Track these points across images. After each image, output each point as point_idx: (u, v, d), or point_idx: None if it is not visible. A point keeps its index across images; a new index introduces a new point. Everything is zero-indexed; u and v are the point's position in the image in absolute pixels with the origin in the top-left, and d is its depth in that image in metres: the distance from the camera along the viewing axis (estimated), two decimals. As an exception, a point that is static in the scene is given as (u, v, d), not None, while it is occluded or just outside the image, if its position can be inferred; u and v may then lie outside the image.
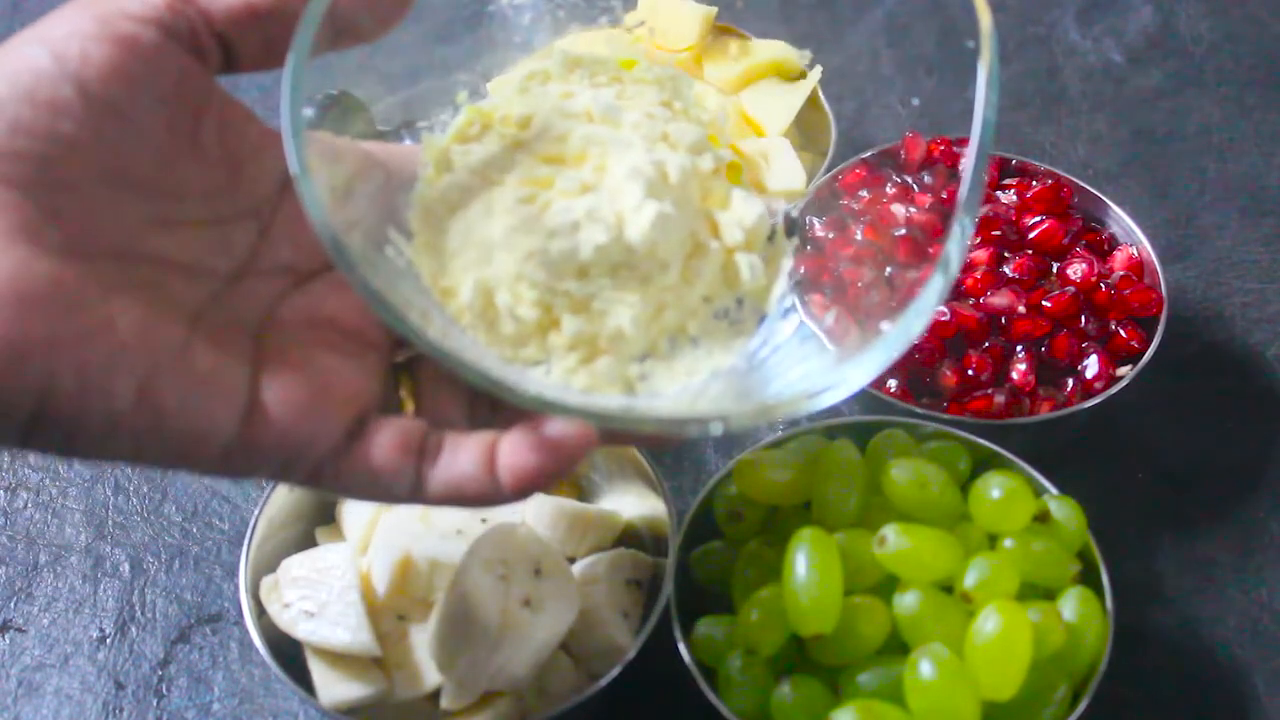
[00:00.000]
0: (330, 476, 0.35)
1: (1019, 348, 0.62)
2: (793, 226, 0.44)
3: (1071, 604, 0.50)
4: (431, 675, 0.50)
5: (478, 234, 0.39)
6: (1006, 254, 0.65)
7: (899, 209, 0.57)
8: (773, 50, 0.69)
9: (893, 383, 0.61)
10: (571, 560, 0.54)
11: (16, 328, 0.31)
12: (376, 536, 0.53)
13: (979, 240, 0.65)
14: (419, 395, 0.38)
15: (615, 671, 0.49)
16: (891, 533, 0.49)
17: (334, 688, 0.50)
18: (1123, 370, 0.60)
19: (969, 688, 0.46)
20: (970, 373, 0.61)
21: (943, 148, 0.65)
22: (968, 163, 0.38)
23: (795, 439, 0.56)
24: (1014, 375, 0.61)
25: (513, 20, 0.45)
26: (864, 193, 0.62)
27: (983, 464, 0.55)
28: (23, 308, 0.31)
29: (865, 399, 0.62)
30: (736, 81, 0.68)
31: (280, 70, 0.36)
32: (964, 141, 0.39)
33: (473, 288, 0.39)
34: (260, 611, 0.52)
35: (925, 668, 0.46)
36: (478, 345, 0.39)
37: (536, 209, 0.39)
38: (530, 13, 0.46)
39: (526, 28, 0.46)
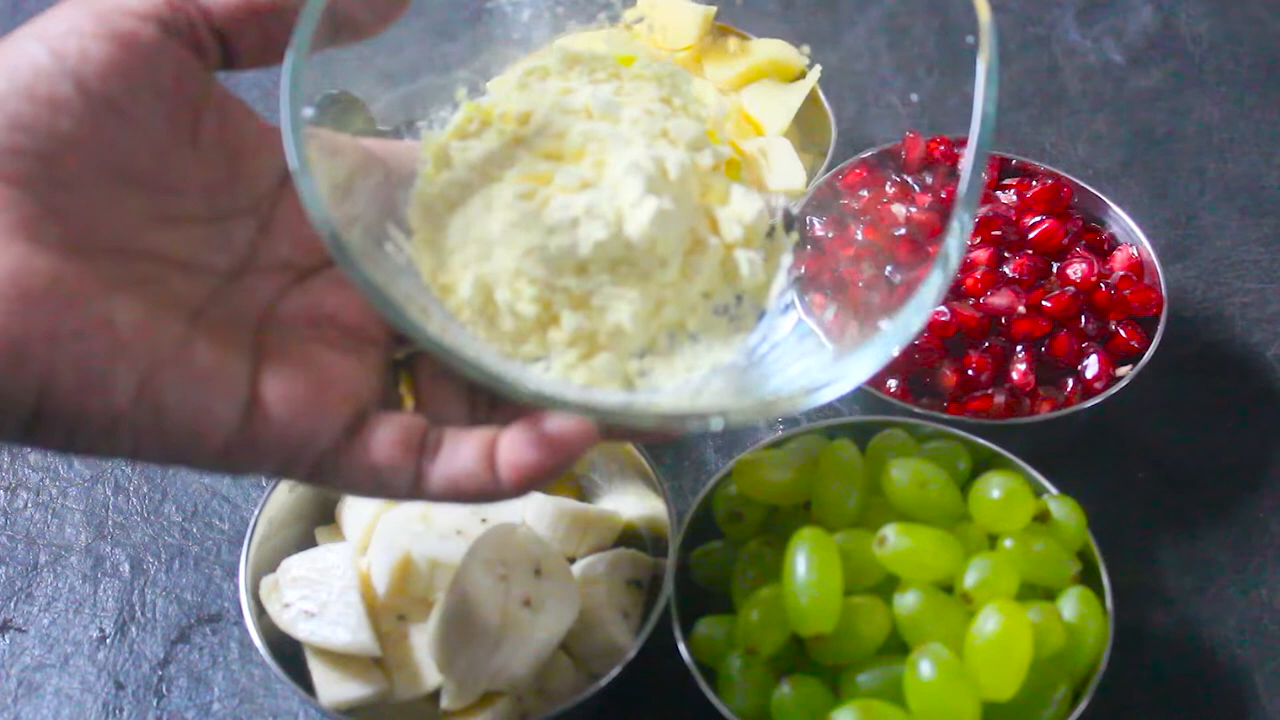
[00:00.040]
0: (330, 473, 0.35)
1: (1019, 348, 0.62)
2: (792, 222, 0.44)
3: (1071, 604, 0.50)
4: (431, 675, 0.50)
5: (477, 230, 0.39)
6: (1006, 254, 0.65)
7: (899, 209, 0.57)
8: (772, 50, 0.69)
9: (893, 383, 0.61)
10: (571, 560, 0.54)
11: (17, 324, 0.31)
12: (376, 536, 0.53)
13: (979, 240, 0.65)
14: (419, 392, 0.38)
15: (615, 671, 0.49)
16: (891, 533, 0.49)
17: (334, 688, 0.50)
18: (1123, 370, 0.60)
19: (969, 688, 0.46)
20: (970, 373, 0.61)
21: (943, 148, 0.65)
22: (967, 158, 0.38)
23: (795, 439, 0.56)
24: (1014, 375, 0.61)
25: (511, 17, 0.45)
26: (864, 192, 0.62)
27: (983, 464, 0.55)
28: (23, 304, 0.31)
29: (865, 399, 0.62)
30: (736, 81, 0.68)
31: (280, 68, 0.36)
32: (964, 142, 0.39)
33: (472, 284, 0.39)
34: (260, 611, 0.52)
35: (925, 668, 0.46)
36: (477, 341, 0.39)
37: (536, 205, 0.39)
38: (529, 9, 0.46)
39: (525, 24, 0.46)
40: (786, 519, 0.54)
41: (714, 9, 0.67)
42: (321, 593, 0.51)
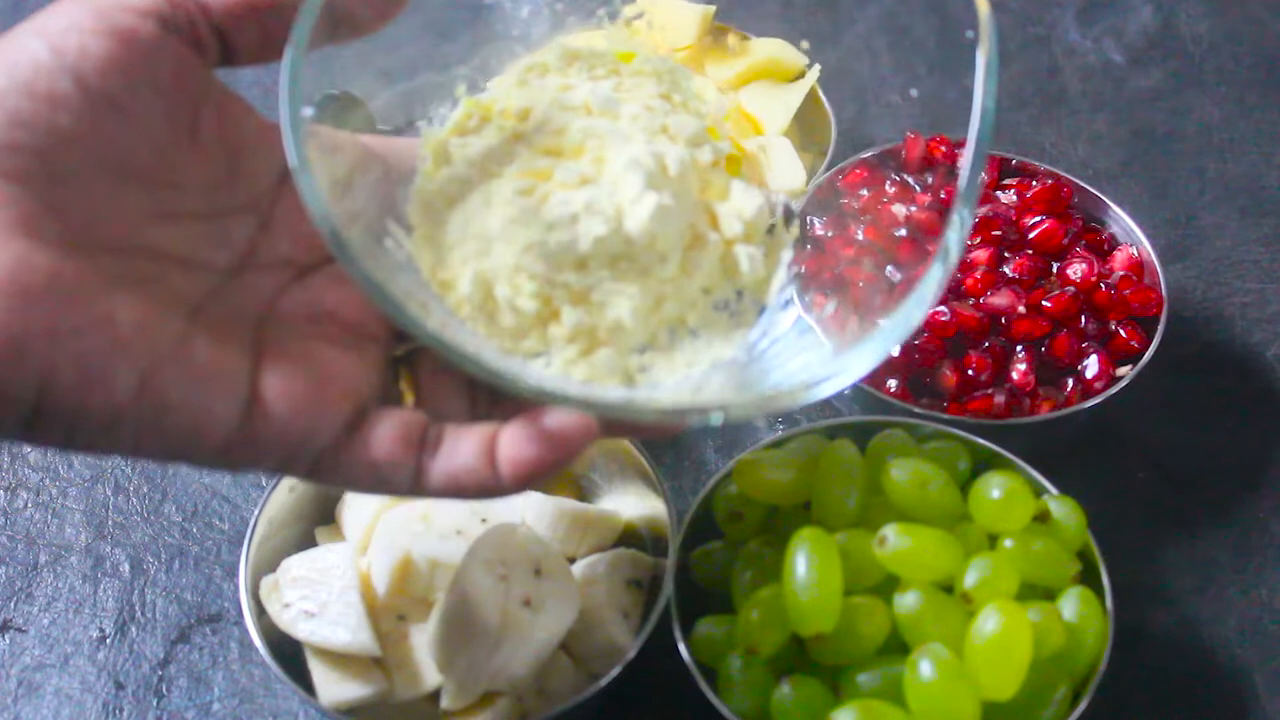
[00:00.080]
0: (330, 469, 0.35)
1: (1019, 348, 0.62)
2: (791, 217, 0.44)
3: (1071, 604, 0.50)
4: (431, 675, 0.50)
5: (476, 226, 0.39)
6: (1006, 254, 0.65)
7: (899, 208, 0.57)
8: (771, 49, 0.69)
9: (893, 383, 0.61)
10: (571, 560, 0.54)
11: (17, 320, 0.31)
12: (376, 536, 0.53)
13: (979, 240, 0.65)
14: (419, 388, 0.38)
15: (615, 671, 0.49)
16: (891, 533, 0.49)
17: (334, 688, 0.50)
18: (1123, 370, 0.60)
19: (969, 688, 0.46)
20: (970, 373, 0.61)
21: (944, 148, 0.65)
22: (967, 152, 0.38)
23: (795, 439, 0.56)
24: (1014, 375, 0.61)
25: (511, 13, 0.45)
26: (864, 191, 0.62)
27: (983, 464, 0.55)
28: (23, 300, 0.31)
29: (865, 399, 0.62)
30: (735, 80, 0.68)
31: (279, 65, 0.36)
32: (965, 142, 0.39)
33: (472, 280, 0.39)
34: (260, 611, 0.52)
35: (925, 668, 0.46)
36: (477, 338, 0.39)
37: (535, 201, 0.39)
38: (528, 6, 0.46)
39: (525, 21, 0.46)
40: (786, 519, 0.54)
41: (713, 8, 0.67)
42: (321, 593, 0.51)
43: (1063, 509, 0.52)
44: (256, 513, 0.54)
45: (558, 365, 0.39)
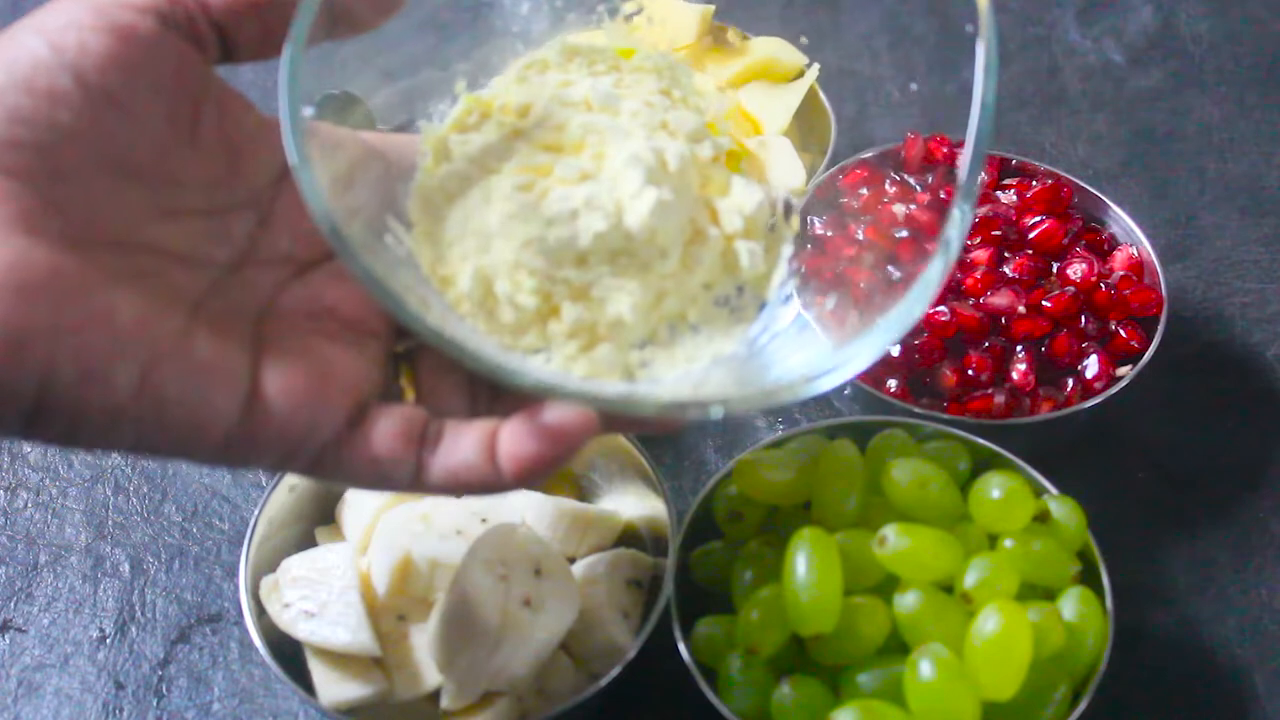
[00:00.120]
0: (331, 465, 0.35)
1: (1019, 348, 0.62)
2: (791, 211, 0.44)
3: (1071, 604, 0.50)
4: (431, 675, 0.50)
5: (476, 222, 0.39)
6: (1006, 254, 0.65)
7: (899, 208, 0.57)
8: (771, 48, 0.69)
9: (893, 383, 0.61)
10: (571, 560, 0.54)
11: (16, 317, 0.31)
12: (376, 536, 0.53)
13: (979, 240, 0.65)
14: (419, 384, 0.38)
15: (615, 671, 0.49)
16: (891, 533, 0.49)
17: (334, 688, 0.50)
18: (1123, 370, 0.60)
19: (969, 688, 0.46)
20: (970, 373, 0.61)
21: (945, 149, 0.65)
22: (967, 146, 0.38)
23: (795, 439, 0.56)
24: (1014, 375, 0.61)
25: (510, 9, 0.45)
26: (864, 190, 0.62)
27: (983, 464, 0.55)
28: (23, 297, 0.31)
29: (865, 399, 0.62)
30: (734, 80, 0.68)
31: (279, 64, 0.36)
32: (965, 142, 0.39)
33: (472, 276, 0.39)
34: (260, 611, 0.52)
35: (925, 668, 0.46)
36: (477, 333, 0.39)
37: (535, 197, 0.39)
38: (528, 2, 0.46)
39: (525, 17, 0.46)
40: (786, 519, 0.54)
41: (712, 7, 0.67)
42: (321, 593, 0.51)
43: (1063, 509, 0.52)
44: (256, 513, 0.54)
45: (558, 361, 0.39)
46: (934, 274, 0.37)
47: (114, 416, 0.32)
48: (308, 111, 0.36)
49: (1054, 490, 0.53)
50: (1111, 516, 0.55)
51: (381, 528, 0.53)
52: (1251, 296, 0.71)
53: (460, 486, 0.35)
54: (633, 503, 0.57)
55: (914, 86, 0.83)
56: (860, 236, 0.50)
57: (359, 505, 0.55)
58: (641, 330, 0.40)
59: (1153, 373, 0.60)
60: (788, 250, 0.43)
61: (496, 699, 0.50)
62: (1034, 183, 0.68)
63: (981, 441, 0.55)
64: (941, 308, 0.62)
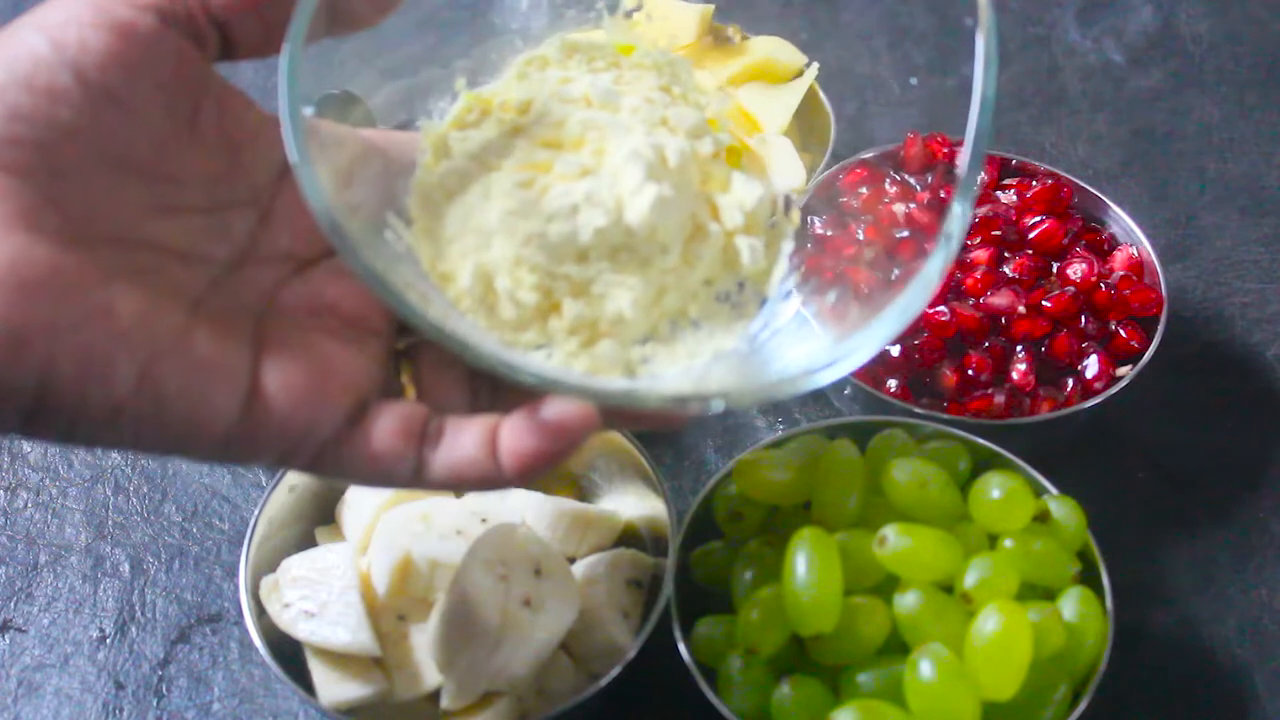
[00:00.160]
0: (332, 462, 0.35)
1: (1019, 348, 0.62)
2: (791, 207, 0.44)
3: (1071, 604, 0.49)
4: (431, 675, 0.50)
5: (476, 219, 0.39)
6: (1006, 254, 0.65)
7: (899, 208, 0.57)
8: (770, 48, 0.69)
9: (893, 383, 0.61)
10: (571, 560, 0.54)
11: (16, 314, 0.31)
12: (376, 536, 0.53)
13: (979, 240, 0.65)
14: (420, 381, 0.38)
15: (615, 671, 0.49)
16: (891, 533, 0.49)
17: (334, 688, 0.50)
18: (1123, 370, 0.60)
19: (969, 688, 0.46)
20: (970, 373, 0.61)
21: (945, 149, 0.65)
22: (967, 140, 0.38)
23: (795, 439, 0.56)
24: (1014, 375, 0.61)
25: (509, 6, 0.45)
26: (863, 190, 0.62)
27: (983, 464, 0.55)
28: (23, 294, 0.31)
29: (865, 399, 0.62)
30: (734, 80, 0.68)
31: (278, 63, 0.36)
32: (964, 141, 0.39)
33: (472, 272, 0.39)
34: (260, 611, 0.52)
35: (925, 668, 0.46)
36: (478, 330, 0.39)
37: (535, 193, 0.39)
38: None
39: (524, 14, 0.46)
40: (786, 519, 0.54)
41: (711, 7, 0.67)
42: (321, 593, 0.51)
43: (1063, 509, 0.52)
44: (256, 513, 0.54)
45: (559, 358, 0.39)
46: (935, 268, 0.37)
47: (114, 414, 0.32)
48: (308, 111, 0.36)
49: (1054, 490, 0.53)
50: (1111, 516, 0.55)
51: (381, 528, 0.53)
52: (1251, 296, 0.71)
53: (461, 482, 0.35)
54: (633, 503, 0.57)
55: (914, 81, 0.83)
56: (860, 236, 0.50)
57: (359, 505, 0.55)
58: (642, 326, 0.40)
59: (1153, 373, 0.60)
60: (788, 246, 0.43)
61: (496, 699, 0.50)
62: (1034, 183, 0.68)
63: (981, 441, 0.55)
64: (941, 308, 0.62)
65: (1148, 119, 0.82)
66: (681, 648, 0.50)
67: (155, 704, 0.57)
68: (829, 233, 0.48)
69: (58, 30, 0.34)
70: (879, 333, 0.37)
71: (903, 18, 0.85)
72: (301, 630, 0.51)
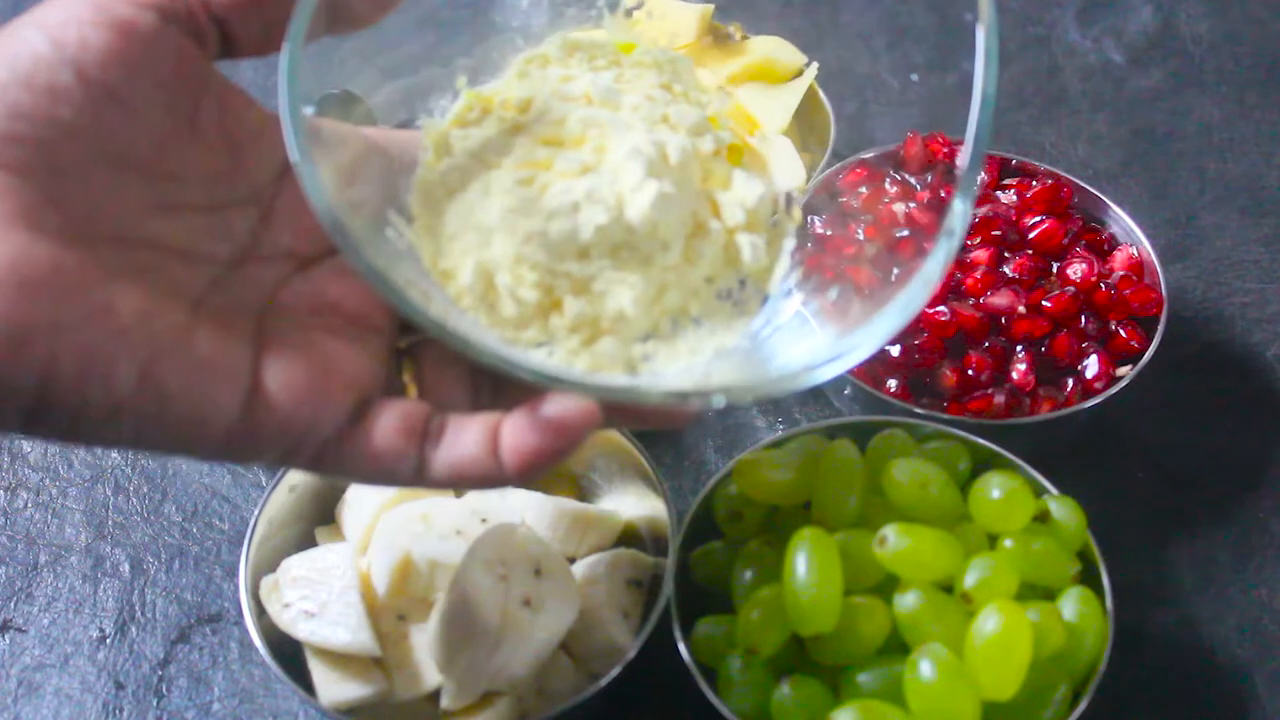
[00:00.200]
0: (333, 460, 0.35)
1: (1019, 348, 0.62)
2: (791, 205, 0.44)
3: (1071, 604, 0.49)
4: (431, 675, 0.50)
5: (477, 216, 0.39)
6: (1006, 254, 0.65)
7: (899, 208, 0.57)
8: (770, 48, 0.69)
9: (893, 383, 0.61)
10: (571, 560, 0.54)
11: (18, 312, 0.31)
12: (376, 536, 0.53)
13: (979, 240, 0.65)
14: (421, 379, 0.38)
15: (615, 671, 0.49)
16: (891, 533, 0.49)
17: (334, 688, 0.50)
18: (1123, 370, 0.60)
19: (969, 688, 0.46)
20: (970, 373, 0.61)
21: (945, 149, 0.65)
22: (968, 137, 0.38)
23: (795, 439, 0.55)
24: (1014, 375, 0.61)
25: (510, 4, 0.45)
26: (863, 189, 0.62)
27: (983, 464, 0.55)
28: (24, 292, 0.31)
29: (865, 399, 0.62)
30: (734, 79, 0.68)
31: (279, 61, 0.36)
32: (964, 141, 0.39)
33: (473, 270, 0.39)
34: (260, 611, 0.52)
35: (925, 668, 0.46)
36: (479, 328, 0.39)
37: (535, 191, 0.39)
38: None
39: (524, 12, 0.46)
40: (786, 519, 0.54)
41: (711, 7, 0.67)
42: (321, 593, 0.51)
43: (1063, 509, 0.52)
44: (256, 513, 0.54)
45: (560, 355, 0.39)
46: (936, 264, 0.37)
47: (115, 412, 0.32)
48: (308, 110, 0.36)
49: (1054, 490, 0.53)
50: (1111, 516, 0.55)
51: (381, 528, 0.53)
52: (1251, 296, 0.71)
53: (463, 480, 0.35)
54: (633, 503, 0.57)
55: (914, 78, 0.83)
56: (860, 235, 0.50)
57: (359, 505, 0.55)
58: (644, 324, 0.40)
59: (1153, 373, 0.60)
60: (790, 243, 0.43)
61: (496, 699, 0.50)
62: (1034, 183, 0.68)
63: (981, 441, 0.55)
64: (941, 307, 0.62)
65: (1148, 119, 0.82)
66: (681, 648, 0.50)
67: (155, 704, 0.57)
68: (829, 232, 0.48)
69: (58, 28, 0.34)
70: (880, 328, 0.37)
71: (902, 17, 0.85)
72: (301, 630, 0.51)
